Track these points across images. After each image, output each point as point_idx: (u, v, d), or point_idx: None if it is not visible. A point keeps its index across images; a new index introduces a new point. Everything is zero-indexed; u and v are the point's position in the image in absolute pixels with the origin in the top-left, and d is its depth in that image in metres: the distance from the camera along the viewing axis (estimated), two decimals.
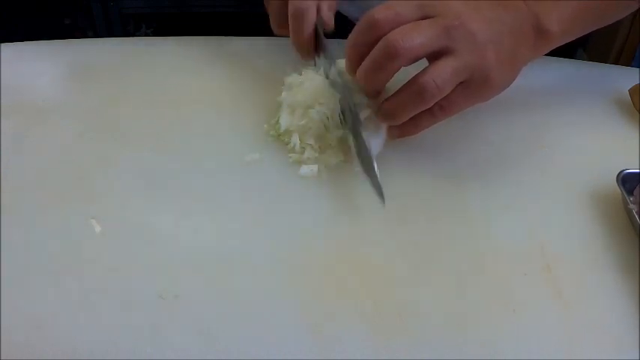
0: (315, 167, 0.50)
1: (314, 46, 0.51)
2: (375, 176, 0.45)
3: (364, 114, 0.49)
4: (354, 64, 0.46)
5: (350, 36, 0.47)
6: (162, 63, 0.62)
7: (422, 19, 0.44)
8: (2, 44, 0.62)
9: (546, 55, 0.60)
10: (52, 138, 0.52)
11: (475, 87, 0.46)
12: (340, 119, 0.50)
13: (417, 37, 0.43)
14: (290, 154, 0.51)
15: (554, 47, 0.51)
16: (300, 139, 0.51)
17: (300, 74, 0.52)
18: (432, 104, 0.45)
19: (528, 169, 0.52)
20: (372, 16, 0.44)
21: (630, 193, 0.47)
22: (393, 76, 0.46)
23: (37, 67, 0.61)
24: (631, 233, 0.47)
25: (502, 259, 0.45)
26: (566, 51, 0.54)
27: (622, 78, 0.63)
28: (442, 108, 0.46)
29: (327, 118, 0.50)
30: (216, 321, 0.40)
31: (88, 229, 0.45)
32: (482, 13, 0.45)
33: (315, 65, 0.53)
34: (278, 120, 0.52)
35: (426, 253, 0.45)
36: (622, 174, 0.48)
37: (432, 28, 0.43)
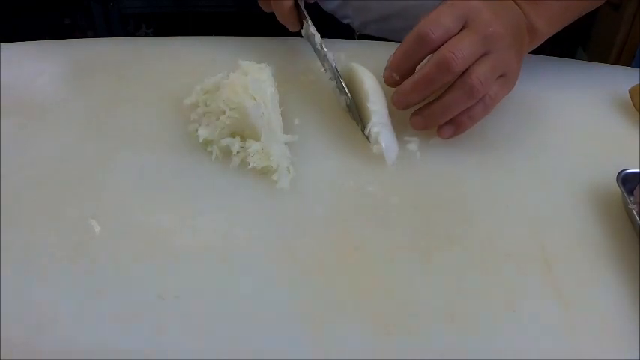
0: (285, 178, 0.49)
1: (297, 18, 0.58)
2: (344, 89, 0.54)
3: (377, 124, 0.51)
4: (403, 76, 0.51)
5: (400, 50, 0.51)
6: (163, 63, 0.62)
7: (461, 29, 0.49)
8: (2, 44, 0.62)
9: (547, 55, 0.60)
10: (52, 138, 0.52)
11: (507, 80, 0.51)
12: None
13: (465, 50, 0.48)
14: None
15: (540, 43, 0.57)
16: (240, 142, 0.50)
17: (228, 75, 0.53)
18: (477, 100, 0.50)
19: (528, 169, 0.52)
20: (426, 32, 0.48)
21: (630, 193, 0.47)
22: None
23: (37, 67, 0.61)
24: (631, 233, 0.47)
25: (502, 259, 0.45)
26: (566, 51, 0.55)
27: (622, 78, 0.63)
28: (487, 102, 0.51)
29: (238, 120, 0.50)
30: (216, 321, 0.40)
31: (88, 229, 0.45)
32: (499, 15, 0.50)
33: (302, 36, 0.59)
34: (197, 130, 0.51)
35: (425, 253, 0.45)
36: (622, 174, 0.48)
37: (474, 40, 0.48)
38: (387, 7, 0.69)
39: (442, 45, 0.48)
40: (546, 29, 0.55)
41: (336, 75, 0.55)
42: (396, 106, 0.51)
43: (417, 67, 0.51)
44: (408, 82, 0.50)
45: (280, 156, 0.49)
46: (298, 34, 0.60)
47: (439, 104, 0.50)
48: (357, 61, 0.56)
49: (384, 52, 0.53)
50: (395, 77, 0.51)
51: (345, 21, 0.74)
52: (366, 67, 0.55)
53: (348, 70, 0.56)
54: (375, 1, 0.69)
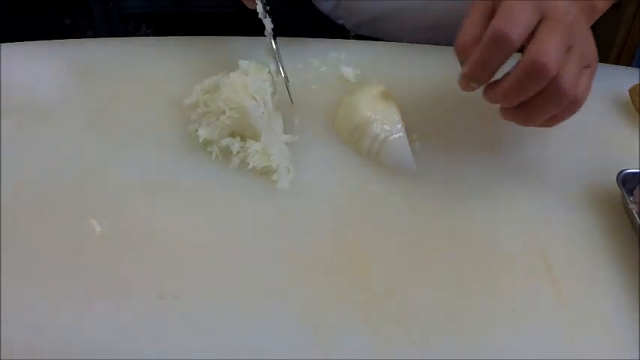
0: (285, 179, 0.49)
1: None
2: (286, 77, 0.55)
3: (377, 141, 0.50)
4: (482, 83, 0.46)
5: (476, 56, 0.45)
6: (163, 63, 0.62)
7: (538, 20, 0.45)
8: (2, 44, 0.62)
9: None
10: (52, 138, 0.52)
11: (592, 70, 0.47)
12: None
13: (556, 50, 0.43)
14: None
15: (594, 21, 0.53)
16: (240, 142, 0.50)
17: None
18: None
19: (528, 170, 0.52)
20: (504, 32, 0.43)
21: (630, 193, 0.47)
22: None
23: (37, 67, 0.61)
24: (631, 233, 0.47)
25: (502, 259, 0.45)
26: None
27: (622, 78, 0.63)
28: (576, 104, 0.46)
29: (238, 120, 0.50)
30: (216, 321, 0.40)
31: (88, 229, 0.45)
32: (569, 1, 0.46)
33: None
34: (197, 130, 0.51)
35: (426, 254, 0.45)
36: (622, 174, 0.48)
37: (559, 34, 0.44)
38: (375, 8, 0.69)
39: (523, 44, 0.43)
40: (603, 5, 0.52)
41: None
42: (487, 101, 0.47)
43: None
44: (498, 92, 0.45)
45: (280, 156, 0.49)
46: (298, 34, 0.60)
47: (530, 109, 0.46)
48: (351, 60, 0.55)
49: (378, 52, 0.53)
50: (473, 86, 0.46)
51: (339, 22, 0.74)
52: (361, 65, 0.54)
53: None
54: (364, 2, 0.69)
